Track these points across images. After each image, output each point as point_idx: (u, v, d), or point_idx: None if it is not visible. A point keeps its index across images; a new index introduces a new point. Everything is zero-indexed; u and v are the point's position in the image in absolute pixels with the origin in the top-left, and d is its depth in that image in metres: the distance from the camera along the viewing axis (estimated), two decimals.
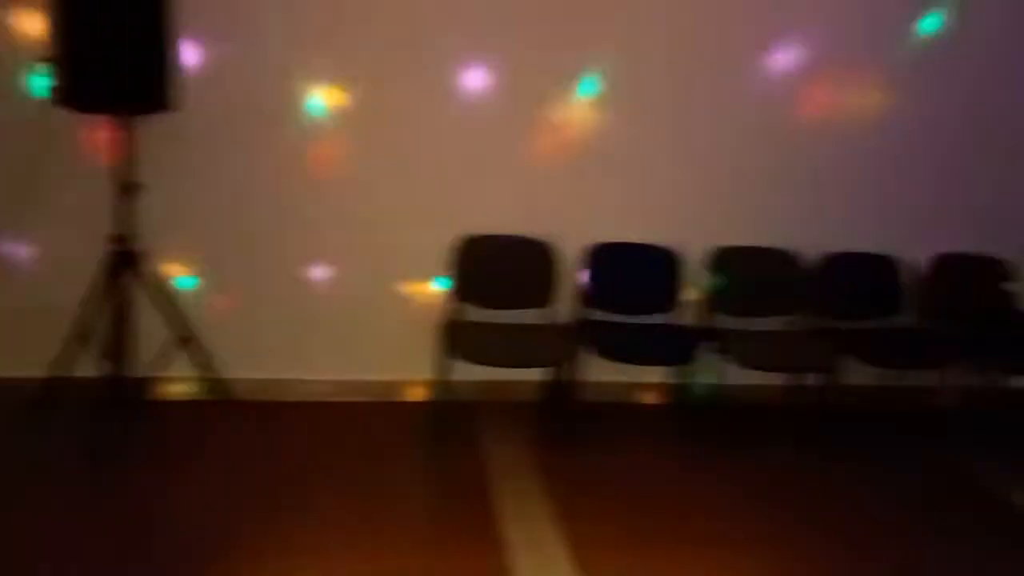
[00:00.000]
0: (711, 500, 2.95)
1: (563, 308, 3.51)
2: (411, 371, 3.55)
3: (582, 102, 3.42)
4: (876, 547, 2.71)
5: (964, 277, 3.74)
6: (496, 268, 3.49)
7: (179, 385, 3.41)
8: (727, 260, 3.59)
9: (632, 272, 3.57)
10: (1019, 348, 3.57)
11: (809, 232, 3.65)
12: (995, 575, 2.62)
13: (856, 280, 3.70)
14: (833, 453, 3.39)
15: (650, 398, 3.73)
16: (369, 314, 3.52)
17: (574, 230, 3.50)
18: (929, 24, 3.52)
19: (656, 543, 2.63)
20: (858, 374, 3.50)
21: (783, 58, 3.49)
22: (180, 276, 3.38)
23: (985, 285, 3.74)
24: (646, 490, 2.98)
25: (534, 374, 3.51)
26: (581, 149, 3.48)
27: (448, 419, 3.45)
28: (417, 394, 3.59)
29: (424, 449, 3.23)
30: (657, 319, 3.55)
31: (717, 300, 3.58)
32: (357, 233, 3.45)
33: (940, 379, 3.70)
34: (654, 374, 3.67)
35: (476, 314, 3.44)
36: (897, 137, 3.63)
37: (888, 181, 3.68)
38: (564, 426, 3.49)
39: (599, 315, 3.52)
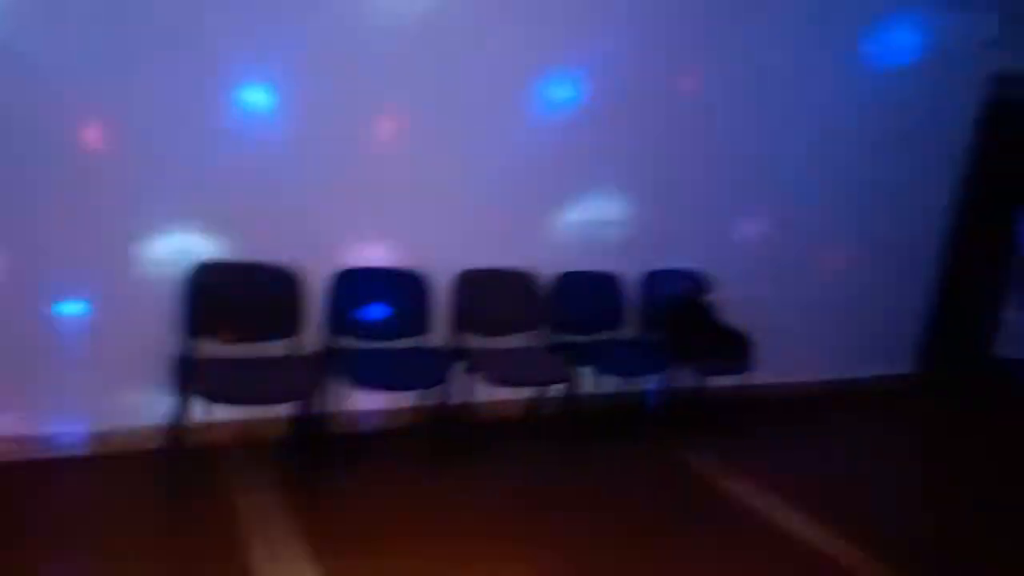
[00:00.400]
0: (468, 521, 2.99)
1: (309, 338, 3.38)
2: (142, 416, 3.18)
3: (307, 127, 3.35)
4: (623, 541, 2.94)
5: (670, 290, 4.22)
6: (235, 298, 3.26)
7: None
8: (471, 282, 3.70)
9: (380, 298, 3.54)
10: (718, 352, 4.10)
11: (544, 254, 3.90)
12: (710, 557, 2.95)
13: (586, 297, 4.01)
14: (577, 457, 3.63)
15: (405, 422, 3.72)
16: (93, 352, 3.11)
17: (320, 256, 3.39)
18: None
19: (415, 571, 2.61)
20: (591, 383, 3.80)
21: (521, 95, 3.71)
22: None
23: (687, 297, 4.25)
24: (403, 518, 2.95)
25: (282, 410, 3.33)
26: (325, 175, 3.38)
27: (189, 467, 3.14)
28: (151, 442, 3.22)
29: (164, 503, 2.91)
30: (408, 343, 3.55)
31: (464, 321, 3.68)
32: (81, 259, 3.03)
33: (657, 382, 4.12)
34: (408, 398, 3.67)
35: (213, 349, 3.19)
36: (602, 172, 4.01)
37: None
38: (316, 461, 3.34)
39: (347, 343, 3.44)
